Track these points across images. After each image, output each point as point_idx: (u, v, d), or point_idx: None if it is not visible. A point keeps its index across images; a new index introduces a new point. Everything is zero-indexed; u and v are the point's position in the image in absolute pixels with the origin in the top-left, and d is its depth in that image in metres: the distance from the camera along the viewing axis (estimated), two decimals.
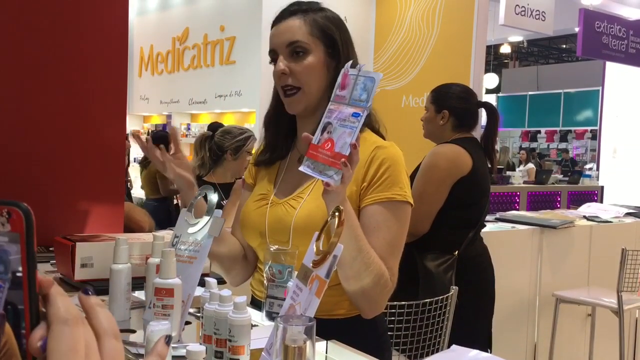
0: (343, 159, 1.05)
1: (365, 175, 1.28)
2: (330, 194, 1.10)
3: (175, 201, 5.67)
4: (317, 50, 1.31)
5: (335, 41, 1.32)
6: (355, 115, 1.09)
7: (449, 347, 2.07)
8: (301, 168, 1.13)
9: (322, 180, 1.08)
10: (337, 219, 0.95)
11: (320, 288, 0.90)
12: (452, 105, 2.54)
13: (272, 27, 1.36)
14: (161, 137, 5.70)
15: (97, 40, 1.98)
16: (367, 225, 1.26)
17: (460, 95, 2.58)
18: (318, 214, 1.23)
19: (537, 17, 5.50)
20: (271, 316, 1.18)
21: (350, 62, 1.17)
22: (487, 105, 2.69)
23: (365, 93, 1.10)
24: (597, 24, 6.99)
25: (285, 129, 1.41)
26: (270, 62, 1.36)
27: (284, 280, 1.16)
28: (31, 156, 1.89)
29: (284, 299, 1.09)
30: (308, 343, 0.73)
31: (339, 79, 1.16)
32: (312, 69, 1.30)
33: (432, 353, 2.02)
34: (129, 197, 5.44)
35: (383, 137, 1.38)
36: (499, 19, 5.45)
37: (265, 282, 1.20)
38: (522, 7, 5.36)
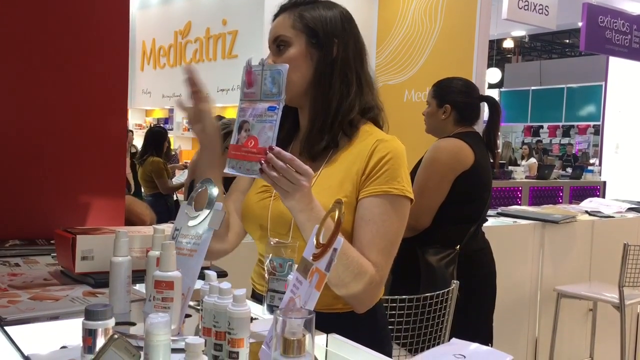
0: (267, 151, 1.08)
1: (365, 168, 1.28)
2: (288, 200, 1.13)
3: (175, 197, 5.68)
4: (298, 41, 1.31)
5: (317, 32, 1.32)
6: (271, 109, 1.11)
7: (449, 341, 2.07)
8: (226, 170, 1.16)
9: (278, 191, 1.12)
10: (337, 212, 0.94)
11: (320, 281, 0.90)
12: (454, 99, 2.54)
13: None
14: (157, 132, 5.71)
15: (98, 34, 1.98)
16: (361, 217, 1.26)
17: (462, 90, 2.57)
18: None
19: (541, 11, 5.48)
20: (272, 309, 1.18)
21: (251, 58, 1.19)
22: (489, 100, 2.68)
23: (275, 86, 1.12)
24: (601, 18, 6.96)
25: (286, 121, 1.41)
26: None
27: (285, 274, 1.16)
28: (32, 149, 1.89)
29: (284, 293, 1.09)
30: (307, 336, 0.73)
31: (243, 77, 1.18)
32: (292, 60, 1.30)
33: (433, 347, 2.02)
34: (139, 192, 5.44)
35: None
36: (502, 13, 5.44)
37: (266, 275, 1.20)
38: (526, 1, 5.35)
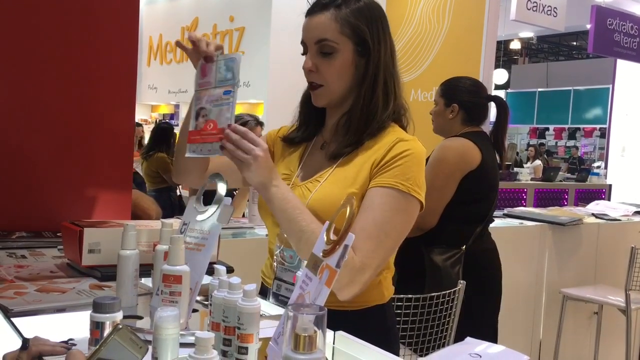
0: (225, 130, 1.16)
1: (381, 160, 1.26)
2: (245, 171, 1.17)
3: (178, 192, 5.68)
4: (345, 49, 1.28)
5: (365, 40, 1.29)
6: (227, 92, 1.20)
7: (455, 341, 2.06)
8: (187, 155, 1.23)
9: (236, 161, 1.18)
10: (349, 208, 0.93)
11: (331, 278, 0.89)
12: (461, 98, 2.52)
13: (305, 16, 1.33)
14: (164, 128, 5.70)
15: (108, 29, 1.97)
16: (362, 205, 1.24)
17: (470, 89, 2.56)
18: (332, 198, 1.22)
19: (549, 12, 5.46)
20: (277, 298, 1.18)
21: (206, 56, 1.25)
22: (497, 99, 2.67)
23: (229, 72, 1.20)
24: (609, 20, 6.93)
25: (318, 110, 1.40)
26: (302, 53, 1.34)
27: (294, 266, 1.15)
28: (40, 142, 1.88)
29: (291, 284, 1.08)
30: (319, 332, 0.72)
31: (198, 70, 1.26)
32: (339, 70, 1.29)
33: (438, 347, 2.01)
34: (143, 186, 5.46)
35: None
36: (510, 14, 5.41)
37: (275, 264, 1.19)
38: (534, 2, 5.32)
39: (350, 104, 1.32)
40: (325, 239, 0.94)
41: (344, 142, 1.31)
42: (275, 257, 1.19)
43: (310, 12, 1.32)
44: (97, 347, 0.71)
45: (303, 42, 1.32)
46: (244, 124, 3.16)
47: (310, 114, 1.41)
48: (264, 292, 1.40)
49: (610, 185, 7.83)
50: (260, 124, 3.55)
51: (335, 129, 1.35)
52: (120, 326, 0.73)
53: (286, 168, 1.41)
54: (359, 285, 1.21)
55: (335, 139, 1.35)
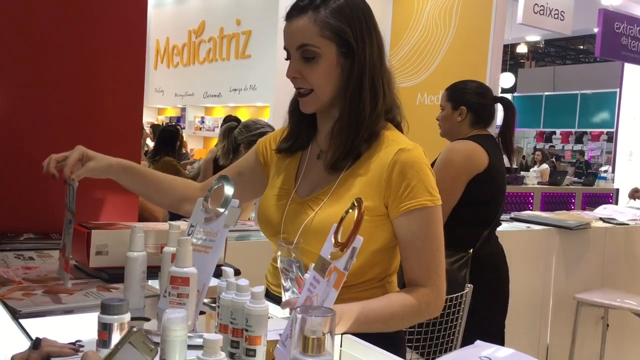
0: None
1: (389, 179, 1.23)
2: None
3: None
4: (328, 52, 1.24)
5: (348, 41, 1.25)
6: (69, 222, 1.31)
7: (462, 345, 2.06)
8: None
9: None
10: (356, 211, 0.93)
11: (339, 280, 0.89)
12: (469, 101, 2.52)
13: (285, 20, 1.29)
14: (170, 131, 5.70)
15: (116, 32, 1.98)
16: (402, 237, 1.25)
17: (477, 91, 2.56)
18: (336, 218, 1.20)
19: (556, 16, 5.45)
20: None
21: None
22: (504, 100, 2.66)
23: (73, 202, 1.31)
24: (617, 24, 6.92)
25: (308, 116, 1.36)
26: (285, 59, 1.30)
27: (294, 275, 1.15)
28: (48, 144, 1.89)
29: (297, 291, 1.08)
30: (327, 335, 0.72)
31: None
32: (323, 73, 1.25)
33: (445, 351, 2.00)
34: None
35: (401, 131, 1.35)
36: (517, 17, 5.41)
37: (281, 275, 1.19)
38: (541, 6, 5.31)
39: (339, 109, 1.29)
40: (333, 241, 0.94)
41: (342, 152, 1.27)
42: (279, 266, 1.19)
43: (289, 16, 1.26)
44: (113, 349, 0.71)
45: (285, 48, 1.28)
46: (261, 135, 3.15)
47: (301, 121, 1.37)
48: (268, 297, 1.39)
49: (617, 190, 7.79)
50: None
51: (330, 137, 1.31)
52: (135, 329, 0.73)
53: (284, 182, 1.37)
54: (441, 302, 1.29)
55: (331, 148, 1.31)
